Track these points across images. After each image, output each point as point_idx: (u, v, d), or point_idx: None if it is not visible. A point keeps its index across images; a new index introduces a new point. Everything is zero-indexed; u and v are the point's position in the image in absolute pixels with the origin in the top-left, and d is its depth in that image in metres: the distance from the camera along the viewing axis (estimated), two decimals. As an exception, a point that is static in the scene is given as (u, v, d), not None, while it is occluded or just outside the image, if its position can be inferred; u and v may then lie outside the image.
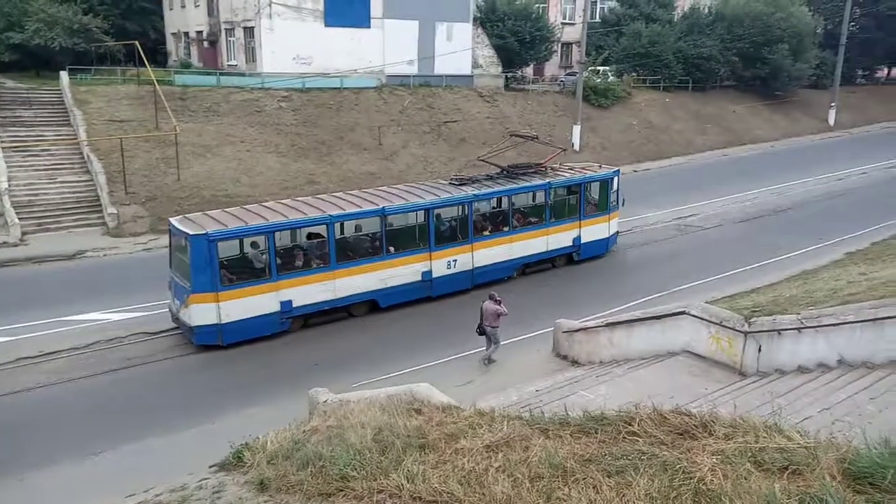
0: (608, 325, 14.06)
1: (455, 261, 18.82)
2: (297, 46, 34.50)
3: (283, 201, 18.55)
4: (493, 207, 20.61)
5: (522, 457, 5.53)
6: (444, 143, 34.89)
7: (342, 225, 17.43)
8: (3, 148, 25.81)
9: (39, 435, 12.14)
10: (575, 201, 21.39)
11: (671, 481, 4.68)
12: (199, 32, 40.95)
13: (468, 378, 14.20)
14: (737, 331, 11.59)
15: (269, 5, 33.52)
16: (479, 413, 7.06)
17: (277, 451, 7.34)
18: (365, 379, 13.88)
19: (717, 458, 4.87)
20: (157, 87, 29.35)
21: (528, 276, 20.71)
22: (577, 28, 48.33)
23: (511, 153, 22.47)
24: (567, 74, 49.25)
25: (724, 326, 11.83)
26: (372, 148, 32.66)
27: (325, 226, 16.68)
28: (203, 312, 15.31)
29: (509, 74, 43.43)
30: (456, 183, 19.85)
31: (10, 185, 24.53)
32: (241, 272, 16.32)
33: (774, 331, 11.13)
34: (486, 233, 19.74)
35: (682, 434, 5.46)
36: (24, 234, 23.17)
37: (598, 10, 54.40)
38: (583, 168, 22.72)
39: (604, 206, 22.18)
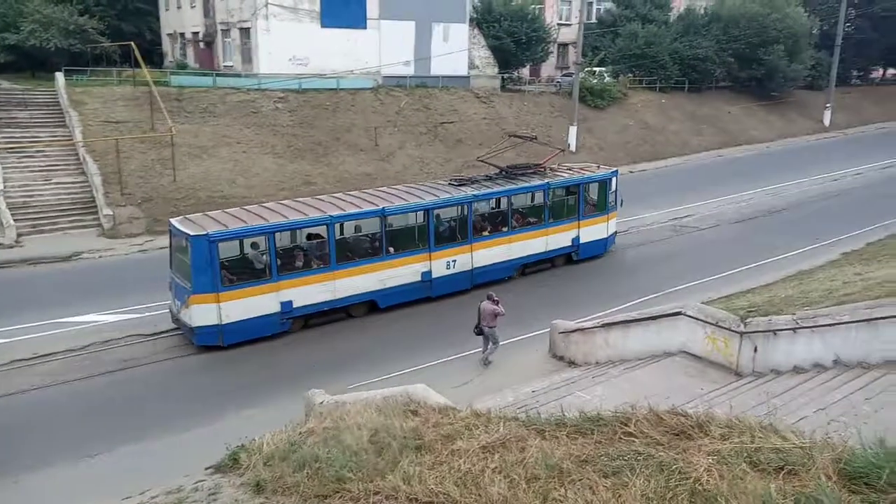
0: (604, 325, 14.08)
1: (454, 261, 18.84)
2: (293, 47, 34.47)
3: (283, 202, 18.55)
4: (493, 208, 20.65)
5: (519, 458, 5.53)
6: (440, 144, 34.89)
7: (342, 225, 17.45)
8: (-2, 149, 25.77)
9: (35, 437, 12.10)
10: (574, 202, 21.44)
11: (667, 482, 4.69)
12: (195, 33, 40.87)
13: (466, 379, 14.21)
14: (733, 331, 11.62)
15: (266, 6, 33.48)
16: (476, 414, 7.06)
17: (274, 452, 7.33)
18: (365, 379, 13.89)
19: (713, 459, 4.87)
20: (153, 88, 29.30)
21: (528, 277, 20.74)
22: (573, 29, 48.41)
23: (509, 154, 22.51)
24: (563, 75, 49.30)
25: (719, 327, 11.86)
26: (368, 149, 32.65)
27: (325, 226, 16.71)
28: (204, 313, 15.32)
29: (506, 75, 43.44)
30: (455, 183, 19.89)
31: (5, 187, 24.47)
32: (242, 273, 16.34)
33: (770, 331, 11.16)
34: (486, 233, 19.78)
35: (678, 434, 5.47)
36: (19, 235, 23.10)
37: (594, 10, 54.51)
38: (581, 168, 22.76)
39: (602, 207, 22.23)
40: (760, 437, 5.14)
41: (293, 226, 16.63)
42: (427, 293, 18.55)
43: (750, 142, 45.37)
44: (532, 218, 21.07)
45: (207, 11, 38.87)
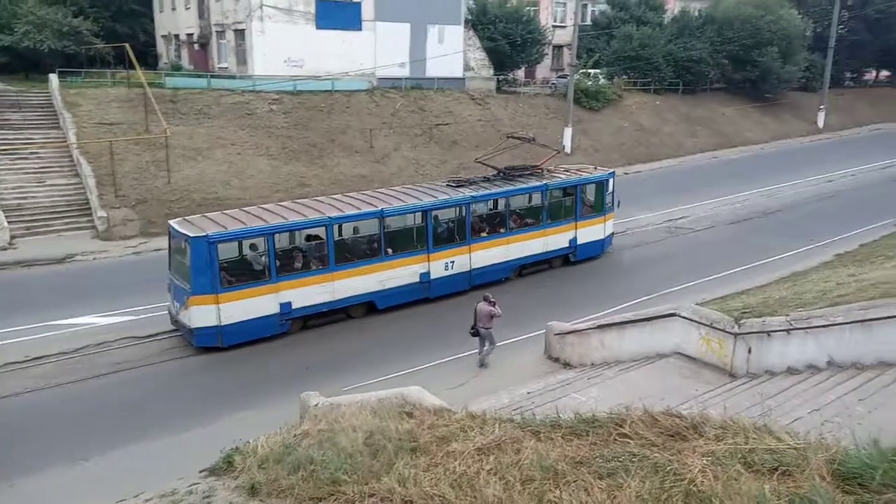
0: (599, 327, 14.10)
1: (453, 262, 18.90)
2: (288, 49, 34.44)
3: (281, 203, 18.58)
4: (491, 209, 20.68)
5: (514, 459, 5.53)
6: (435, 146, 34.90)
7: (340, 227, 17.47)
8: (-9, 151, 25.68)
9: (29, 440, 12.05)
10: (571, 203, 21.50)
11: (662, 483, 4.69)
12: (190, 35, 40.79)
13: (461, 380, 14.19)
14: (727, 332, 11.64)
15: (261, 8, 33.45)
16: (471, 416, 7.06)
17: (268, 455, 7.31)
18: (363, 380, 13.88)
19: (707, 460, 4.88)
20: (148, 89, 29.23)
21: (525, 277, 20.79)
22: (568, 31, 48.49)
23: (506, 155, 22.54)
24: (558, 77, 49.39)
25: (714, 328, 11.88)
26: (363, 151, 32.63)
27: (324, 227, 16.73)
28: (203, 314, 15.31)
29: (501, 77, 43.50)
30: (453, 185, 19.94)
31: (-2, 189, 24.40)
32: (241, 274, 16.34)
33: (764, 332, 11.18)
34: (484, 234, 19.82)
35: (672, 436, 5.48)
36: (12, 237, 22.99)
37: (588, 12, 54.64)
38: (578, 170, 22.85)
39: (599, 208, 22.30)
40: (755, 438, 5.15)
41: (292, 227, 16.64)
42: (425, 294, 18.57)
43: (744, 143, 45.53)
44: (530, 219, 21.11)
45: (202, 13, 38.81)
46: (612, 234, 23.15)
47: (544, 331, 15.46)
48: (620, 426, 5.75)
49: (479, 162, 22.14)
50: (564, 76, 45.33)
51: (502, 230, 20.10)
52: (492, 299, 14.82)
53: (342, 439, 6.84)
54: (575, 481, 5.00)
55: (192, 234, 15.19)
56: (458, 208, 19.10)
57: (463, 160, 33.89)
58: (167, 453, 11.36)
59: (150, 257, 22.52)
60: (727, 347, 11.66)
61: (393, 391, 9.33)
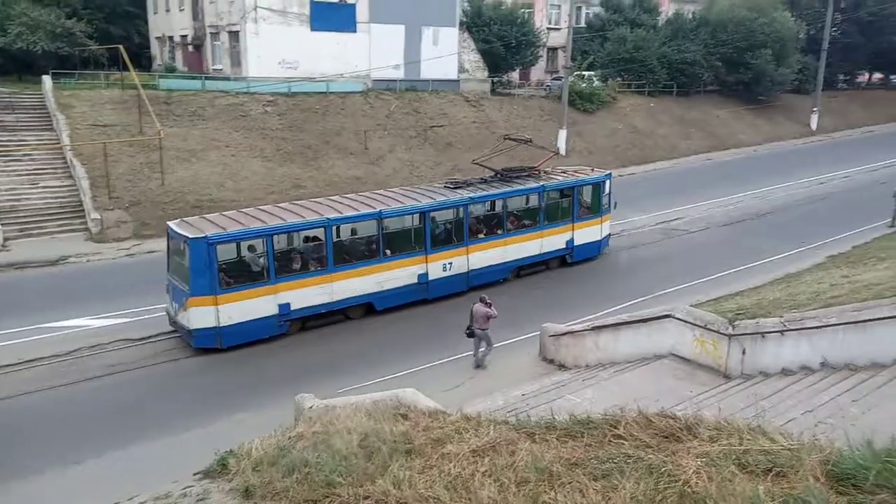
0: (594, 328, 14.12)
1: (451, 263, 18.94)
2: (282, 51, 34.42)
3: (280, 205, 18.61)
4: (488, 210, 20.74)
5: (509, 461, 5.53)
6: (430, 148, 34.90)
7: (338, 228, 17.49)
8: (-16, 153, 25.57)
9: (22, 443, 11.99)
10: (568, 204, 21.56)
11: (656, 484, 4.70)
12: (184, 36, 40.73)
13: (457, 382, 14.20)
14: (721, 334, 11.67)
15: (255, 9, 33.42)
16: (466, 418, 7.05)
17: (263, 457, 7.28)
18: (361, 382, 13.86)
19: (701, 461, 4.89)
20: (142, 91, 29.15)
21: (523, 279, 20.85)
22: (562, 33, 48.58)
23: (503, 157, 22.60)
24: (553, 79, 49.45)
25: (708, 329, 11.91)
26: (358, 152, 32.61)
27: (322, 229, 16.75)
28: (202, 315, 15.32)
29: (495, 79, 43.53)
30: (451, 186, 20.01)
31: (-9, 191, 24.30)
32: (240, 275, 16.35)
33: (758, 334, 11.22)
34: (482, 235, 19.87)
35: (667, 437, 5.48)
36: (6, 239, 22.91)
37: (583, 15, 54.74)
38: (575, 171, 22.93)
39: (596, 209, 22.37)
40: (749, 440, 5.16)
41: (291, 228, 16.65)
42: (423, 295, 18.61)
43: (738, 145, 45.67)
44: (527, 220, 21.15)
45: (196, 15, 38.75)
46: (609, 235, 23.22)
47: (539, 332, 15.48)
48: (615, 427, 5.75)
49: (477, 163, 22.19)
50: (559, 78, 45.38)
51: (500, 231, 20.15)
52: (488, 300, 14.84)
53: (337, 441, 6.82)
54: (570, 483, 5.00)
55: (190, 236, 15.21)
56: (455, 210, 19.14)
57: (457, 162, 33.92)
58: (162, 456, 11.33)
59: (144, 259, 22.47)
60: (721, 349, 11.69)
61: (388, 393, 9.32)
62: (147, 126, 28.16)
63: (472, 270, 19.41)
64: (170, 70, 39.21)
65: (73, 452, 11.65)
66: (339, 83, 35.31)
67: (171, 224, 16.35)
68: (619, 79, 46.48)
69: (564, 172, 22.58)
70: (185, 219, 17.04)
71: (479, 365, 14.99)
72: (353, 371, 14.59)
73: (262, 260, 16.23)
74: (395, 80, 37.44)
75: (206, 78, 34.43)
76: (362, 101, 35.33)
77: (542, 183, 20.86)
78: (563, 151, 37.64)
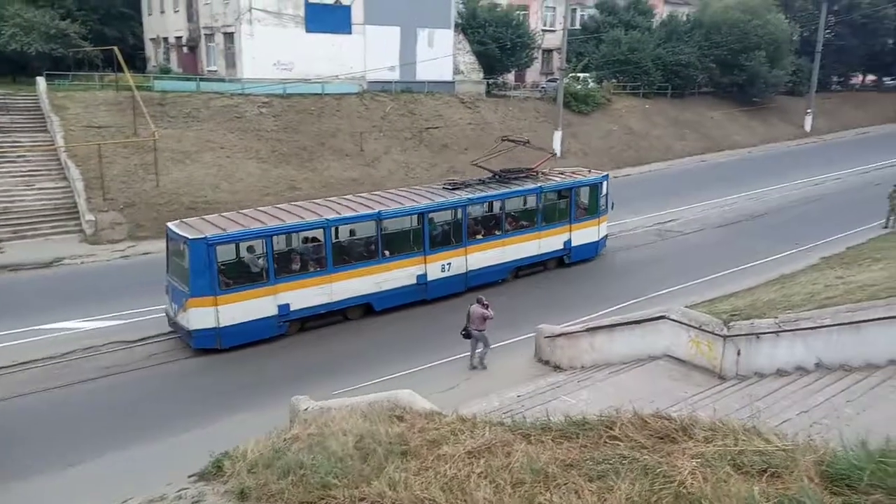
0: (589, 329, 14.13)
1: (449, 264, 19.00)
2: (277, 52, 34.39)
3: (279, 206, 18.68)
4: (487, 211, 20.82)
5: (504, 463, 5.52)
6: (425, 150, 34.91)
7: (337, 229, 17.52)
8: (-23, 154, 25.46)
9: (17, 446, 11.93)
10: (565, 205, 21.66)
11: (652, 485, 4.70)
12: (179, 38, 40.66)
13: (453, 383, 14.20)
14: (716, 335, 11.69)
15: (250, 11, 33.38)
16: (462, 419, 7.04)
17: (258, 459, 7.26)
18: (360, 382, 13.88)
19: (697, 462, 4.89)
20: (136, 92, 29.10)
21: (521, 279, 20.92)
22: (557, 35, 48.64)
23: (499, 158, 22.67)
24: (548, 81, 49.59)
25: (703, 330, 11.93)
26: (354, 154, 32.60)
27: (322, 230, 16.78)
28: (201, 316, 15.33)
29: (491, 81, 43.60)
30: (449, 187, 20.09)
31: (-15, 192, 24.20)
32: (239, 276, 16.37)
33: (753, 334, 11.24)
34: (480, 236, 19.92)
35: (662, 438, 5.49)
36: (0, 241, 22.86)
37: (578, 17, 54.83)
38: (573, 172, 23.02)
39: (593, 210, 22.44)
40: (744, 440, 5.16)
41: (291, 229, 16.68)
42: (422, 296, 18.66)
43: (732, 147, 45.82)
44: (525, 221, 21.19)
45: (191, 16, 38.68)
46: (606, 236, 23.30)
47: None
48: (610, 429, 5.75)
49: (475, 164, 22.27)
50: (554, 80, 45.50)
51: (498, 232, 20.22)
52: (485, 302, 14.86)
53: (332, 443, 6.81)
54: (565, 484, 5.01)
55: (190, 237, 15.23)
56: (454, 211, 19.21)
57: (453, 163, 33.95)
58: (157, 458, 11.29)
59: (139, 261, 22.43)
60: (716, 350, 11.71)
61: (383, 394, 9.31)
62: (142, 127, 28.09)
63: (470, 271, 19.46)
64: (164, 71, 39.14)
65: (67, 455, 11.60)
66: (334, 85, 35.30)
67: (171, 225, 16.36)
68: (613, 80, 46.58)
69: (562, 174, 22.66)
70: (184, 220, 17.09)
71: (475, 366, 15.00)
72: (351, 372, 14.60)
73: (261, 261, 16.27)
74: (391, 82, 37.46)
75: (201, 79, 34.37)
76: (358, 103, 35.32)
77: (539, 184, 20.93)
78: (558, 153, 37.70)
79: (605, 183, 22.66)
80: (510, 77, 49.26)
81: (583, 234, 22.03)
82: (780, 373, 10.93)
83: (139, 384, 14.49)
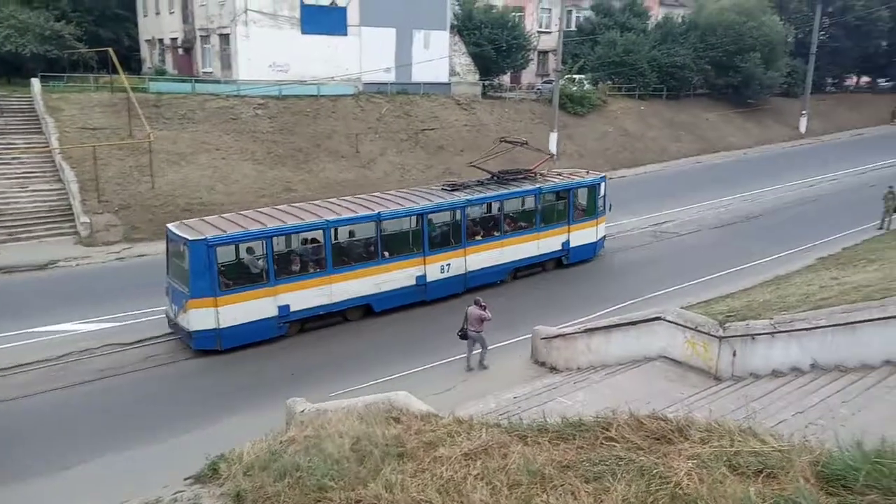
0: (586, 331, 14.14)
1: (448, 265, 19.05)
2: (273, 54, 34.36)
3: (278, 207, 18.74)
4: (485, 212, 20.88)
5: (501, 464, 5.52)
6: (421, 151, 34.91)
7: (337, 230, 17.54)
8: (-28, 156, 25.37)
9: (12, 449, 11.88)
10: (564, 206, 21.74)
11: (648, 486, 4.70)
12: (174, 39, 40.61)
13: (451, 384, 14.22)
14: (712, 336, 11.71)
15: (245, 12, 33.36)
16: (458, 421, 7.04)
17: (254, 462, 7.25)
18: (359, 384, 13.89)
19: (693, 463, 4.90)
20: (131, 94, 29.03)
21: (519, 280, 20.96)
22: (553, 37, 48.73)
23: (496, 159, 22.72)
24: (544, 82, 49.61)
25: (699, 331, 11.95)
26: (349, 155, 32.58)
27: (321, 231, 16.81)
28: (202, 317, 15.35)
29: (486, 82, 43.63)
30: (448, 188, 20.16)
31: (-21, 194, 24.11)
32: (239, 277, 16.39)
33: (748, 335, 11.26)
34: (479, 237, 19.96)
35: (658, 439, 5.49)
36: (-7, 243, 22.76)
37: (573, 18, 54.92)
38: (571, 174, 23.09)
39: (591, 211, 22.49)
40: (739, 441, 5.17)
41: (290, 230, 16.72)
42: (422, 297, 18.70)
43: (727, 148, 45.92)
44: (523, 222, 21.24)
45: (186, 17, 38.63)
46: (605, 237, 23.37)
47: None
48: (607, 430, 5.75)
49: (473, 165, 22.33)
50: (550, 81, 45.53)
51: (497, 233, 20.27)
52: (482, 303, 14.90)
53: (329, 445, 6.81)
54: (562, 485, 5.01)
55: (190, 238, 15.24)
56: (453, 212, 19.25)
57: (449, 165, 33.96)
58: (155, 460, 11.28)
59: (134, 263, 22.37)
60: (712, 351, 11.73)
61: (380, 396, 9.30)
62: (137, 129, 28.04)
63: (469, 272, 19.51)
64: (159, 73, 39.08)
65: (62, 458, 11.56)
66: (329, 86, 35.29)
67: (171, 226, 16.37)
68: (609, 82, 46.66)
69: (560, 175, 22.76)
70: (184, 221, 17.13)
71: (471, 368, 15.01)
72: (351, 373, 14.61)
73: (261, 262, 16.31)
74: (386, 84, 37.46)
75: (196, 81, 34.33)
76: (353, 105, 35.32)
77: (538, 185, 21.00)
78: (554, 154, 37.73)
79: (603, 184, 22.75)
80: (506, 79, 49.30)
81: (581, 235, 22.10)
82: (776, 374, 10.94)
83: (136, 386, 14.46)
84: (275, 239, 16.17)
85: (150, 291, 18.28)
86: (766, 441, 5.17)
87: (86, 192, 25.11)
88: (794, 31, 53.53)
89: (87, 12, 39.85)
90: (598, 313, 17.01)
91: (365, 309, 17.90)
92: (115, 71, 30.81)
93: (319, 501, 5.81)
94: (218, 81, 34.85)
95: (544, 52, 53.51)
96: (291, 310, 16.44)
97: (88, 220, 24.13)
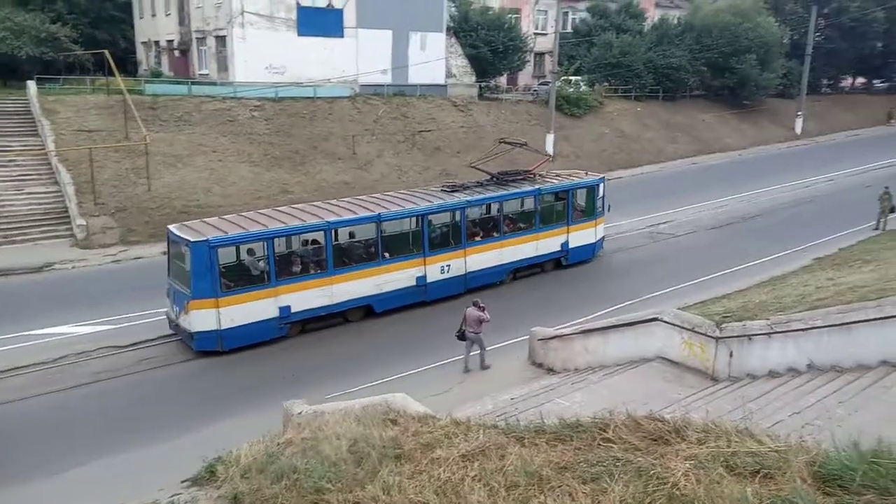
0: (583, 332, 14.14)
1: (448, 266, 19.11)
2: (269, 56, 34.35)
3: (279, 208, 18.79)
4: (485, 213, 20.94)
5: (498, 465, 5.52)
6: (418, 153, 34.92)
7: (337, 231, 17.56)
8: (-33, 158, 25.30)
9: (8, 451, 11.85)
10: (563, 207, 21.81)
11: (645, 487, 4.71)
12: (170, 41, 40.57)
13: (449, 385, 14.21)
14: (708, 336, 11.72)
15: (242, 14, 33.34)
16: (455, 422, 7.04)
17: (251, 464, 7.24)
18: (359, 384, 13.89)
19: (690, 463, 4.90)
20: (127, 96, 28.99)
21: (518, 281, 21.01)
22: (549, 38, 48.80)
23: (497, 160, 22.77)
24: (540, 84, 49.68)
25: (696, 332, 11.96)
26: (346, 157, 32.57)
27: (322, 232, 16.85)
28: (203, 318, 15.38)
29: (483, 84, 43.66)
30: (448, 189, 20.22)
31: (-26, 197, 24.04)
32: (241, 278, 16.41)
33: (745, 336, 11.28)
34: (478, 238, 20.01)
35: (655, 440, 5.50)
36: (-11, 246, 22.69)
37: (569, 20, 54.98)
38: (569, 175, 23.17)
39: (590, 212, 22.55)
40: (736, 442, 5.18)
41: (292, 231, 16.78)
42: (422, 297, 18.74)
43: (723, 149, 46.01)
44: (523, 223, 21.28)
45: (182, 19, 38.59)
46: (604, 238, 23.42)
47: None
48: (604, 431, 5.76)
49: (472, 166, 22.38)
50: (546, 83, 45.59)
51: (496, 234, 20.32)
52: (481, 304, 14.93)
53: (326, 447, 6.80)
54: (559, 486, 5.01)
55: (192, 239, 15.28)
56: (453, 213, 19.30)
57: (446, 166, 33.97)
58: (154, 462, 11.24)
59: (130, 265, 22.34)
60: (709, 351, 11.74)
61: (377, 398, 9.29)
62: (133, 131, 27.99)
63: (469, 273, 19.56)
64: (156, 75, 39.02)
65: (60, 460, 11.54)
66: (326, 88, 35.27)
67: (172, 227, 16.41)
68: (605, 83, 46.72)
69: (559, 176, 22.83)
70: (185, 223, 17.16)
71: (469, 369, 15.00)
72: (351, 374, 14.63)
73: (262, 263, 16.34)
74: (383, 85, 37.46)
75: (193, 83, 34.29)
76: (350, 106, 35.31)
77: (537, 186, 21.05)
78: (551, 156, 37.77)
79: (601, 185, 22.81)
80: (502, 80, 49.35)
81: (580, 235, 22.17)
82: (772, 374, 10.96)
83: (132, 389, 14.42)
84: (276, 240, 16.23)
85: (146, 294, 18.27)
86: (762, 441, 5.18)
87: (82, 195, 25.06)
88: (789, 33, 53.67)
89: (82, 14, 39.80)
90: (596, 314, 17.05)
91: (366, 310, 17.94)
92: (111, 73, 30.76)
93: (317, 503, 5.80)
94: (214, 83, 34.82)
95: (541, 54, 53.55)
96: (292, 311, 16.48)
97: (84, 223, 24.08)
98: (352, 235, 18.22)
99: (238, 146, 30.38)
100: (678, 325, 12.30)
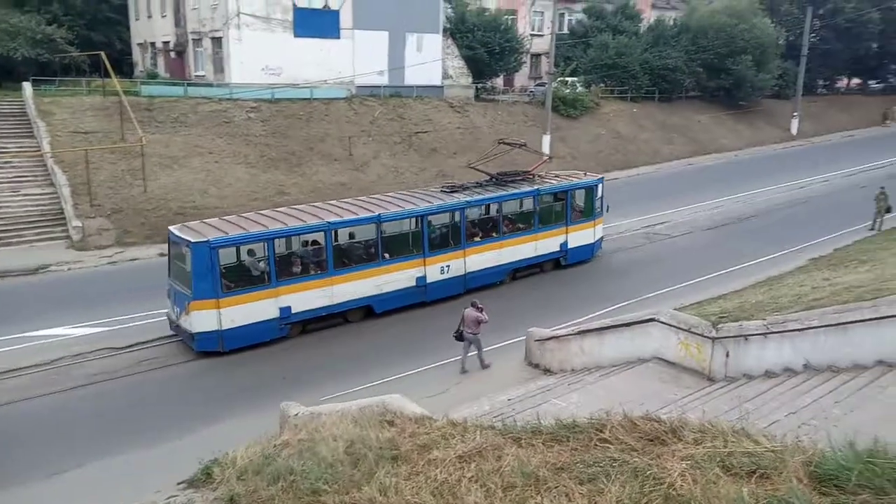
0: (579, 333, 14.14)
1: (448, 266, 19.14)
2: (266, 57, 34.31)
3: (279, 209, 18.83)
4: (484, 214, 21.00)
5: (495, 466, 5.52)
6: (414, 154, 34.92)
7: (336, 232, 17.57)
8: (-38, 160, 25.23)
9: (6, 453, 11.81)
10: (561, 208, 21.88)
11: (642, 487, 4.72)
12: (166, 43, 40.50)
13: (445, 386, 14.20)
14: (705, 337, 11.73)
15: (238, 16, 33.30)
16: (452, 423, 7.04)
17: (247, 466, 7.23)
18: (358, 385, 13.90)
19: (686, 464, 4.91)
20: (123, 97, 28.95)
21: (518, 281, 21.04)
22: (545, 39, 48.81)
23: (495, 161, 22.80)
24: (536, 85, 49.68)
25: (692, 333, 11.97)
26: (342, 158, 32.56)
27: (323, 233, 16.87)
28: (204, 319, 15.40)
29: (479, 85, 43.68)
30: (448, 190, 20.26)
31: (-30, 199, 23.97)
32: (241, 279, 16.42)
33: (741, 336, 11.29)
34: (478, 239, 20.05)
35: (652, 440, 5.51)
36: (-16, 248, 22.62)
37: (566, 21, 55.08)
38: (568, 175, 23.24)
39: (589, 213, 22.62)
40: (733, 442, 5.19)
41: (292, 232, 16.80)
42: (422, 298, 18.77)
43: (719, 150, 46.10)
44: (522, 224, 21.33)
45: (178, 21, 38.54)
46: (602, 238, 23.48)
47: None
48: (601, 431, 5.76)
49: (471, 167, 22.43)
50: (542, 84, 45.60)
51: (496, 235, 20.37)
52: (479, 305, 14.94)
53: (322, 449, 6.79)
54: (556, 487, 5.01)
55: (193, 240, 15.29)
56: (452, 213, 19.34)
57: (442, 167, 33.97)
58: (152, 463, 11.23)
59: (126, 267, 22.29)
60: (705, 352, 11.75)
61: (374, 399, 9.28)
62: (129, 133, 27.94)
63: (468, 273, 19.61)
64: (152, 76, 38.98)
65: (57, 462, 11.49)
66: (322, 89, 35.25)
67: (173, 228, 16.42)
68: (601, 85, 46.78)
69: (558, 177, 22.91)
70: (186, 223, 17.17)
71: (466, 370, 15.00)
72: (350, 374, 14.63)
73: (262, 264, 16.36)
74: (379, 87, 37.46)
75: (189, 84, 34.23)
76: (346, 108, 35.30)
77: (536, 187, 21.11)
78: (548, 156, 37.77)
79: (600, 186, 22.88)
80: (499, 81, 49.41)
81: (579, 236, 22.23)
82: (769, 374, 10.98)
83: (129, 390, 14.39)
84: (276, 241, 16.26)
85: (143, 295, 18.24)
86: (759, 442, 5.19)
87: (78, 196, 25.01)
88: (785, 34, 53.83)
89: (78, 16, 39.71)
90: (594, 314, 17.07)
91: (366, 310, 17.97)
92: (106, 74, 30.71)
93: (313, 505, 5.80)
94: (210, 85, 34.78)
95: (537, 55, 53.62)
96: (293, 311, 16.50)
97: (80, 224, 24.02)
98: (352, 236, 18.25)
99: (234, 147, 30.34)
100: (674, 326, 12.31)
